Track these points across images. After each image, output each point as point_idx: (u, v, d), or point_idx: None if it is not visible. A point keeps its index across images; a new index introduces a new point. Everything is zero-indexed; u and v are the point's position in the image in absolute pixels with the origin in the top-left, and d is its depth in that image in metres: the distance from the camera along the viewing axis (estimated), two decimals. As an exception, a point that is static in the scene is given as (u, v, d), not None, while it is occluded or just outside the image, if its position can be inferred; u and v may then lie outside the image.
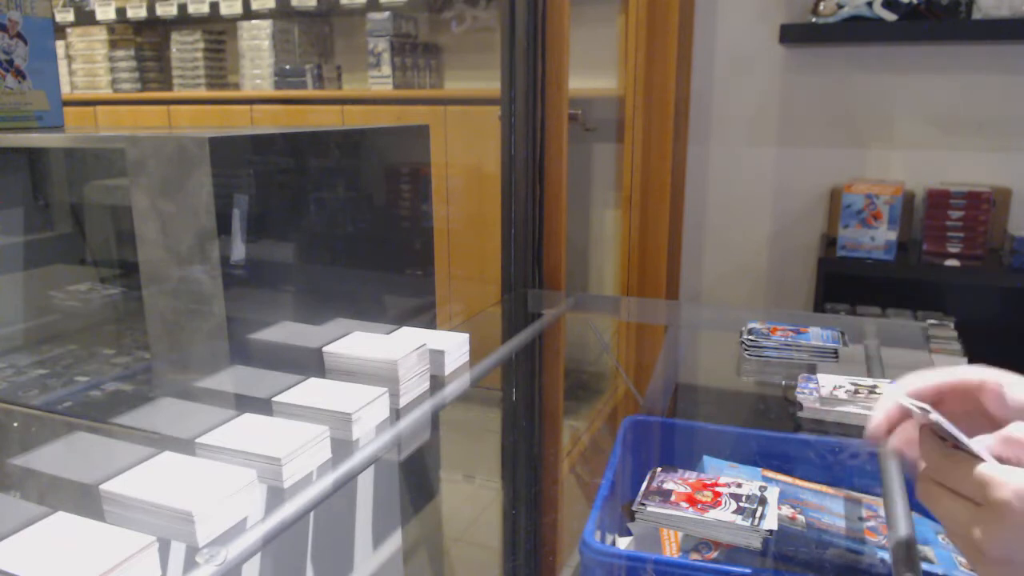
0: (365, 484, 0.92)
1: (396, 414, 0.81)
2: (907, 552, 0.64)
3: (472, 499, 1.65)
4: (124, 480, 0.59)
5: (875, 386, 0.98)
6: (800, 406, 0.97)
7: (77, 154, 1.23)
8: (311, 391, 0.78)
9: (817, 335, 1.16)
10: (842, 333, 1.16)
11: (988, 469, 0.47)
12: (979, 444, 0.49)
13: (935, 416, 0.50)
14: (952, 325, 2.11)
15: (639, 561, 0.84)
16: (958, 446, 0.49)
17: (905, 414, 0.56)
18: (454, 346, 0.93)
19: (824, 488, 1.04)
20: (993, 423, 0.53)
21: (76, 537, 0.51)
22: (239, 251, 0.82)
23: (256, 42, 3.03)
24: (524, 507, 1.35)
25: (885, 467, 0.80)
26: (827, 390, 0.96)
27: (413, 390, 0.85)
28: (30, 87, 1.16)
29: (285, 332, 0.90)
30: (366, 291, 1.08)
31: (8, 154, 1.22)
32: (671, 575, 0.82)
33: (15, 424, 0.92)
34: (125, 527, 0.52)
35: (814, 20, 2.17)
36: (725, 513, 0.83)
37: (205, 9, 3.06)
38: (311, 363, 0.86)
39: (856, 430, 0.94)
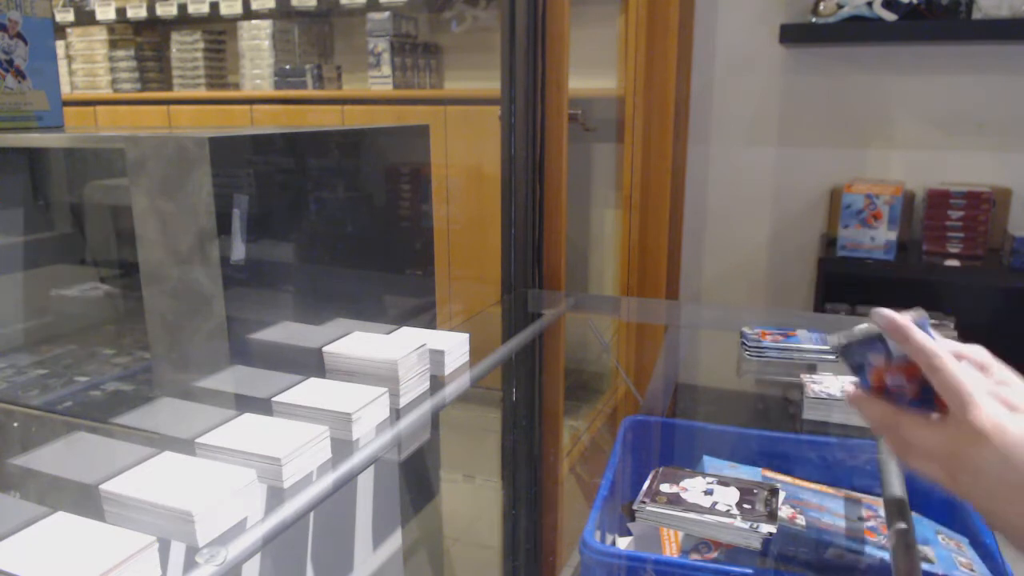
0: (365, 484, 0.92)
1: (396, 414, 0.81)
2: (907, 552, 0.64)
3: (472, 499, 1.65)
4: (124, 480, 0.59)
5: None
6: (800, 406, 0.97)
7: (77, 154, 1.23)
8: (311, 391, 0.78)
9: (806, 338, 1.16)
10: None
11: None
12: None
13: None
14: (952, 325, 2.11)
15: (639, 561, 0.84)
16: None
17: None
18: (454, 346, 0.93)
19: (824, 488, 1.04)
20: None
21: (76, 537, 0.51)
22: (239, 251, 0.82)
23: (256, 42, 3.03)
24: (524, 507, 1.35)
25: (885, 467, 0.80)
26: (827, 390, 0.96)
27: (413, 390, 0.85)
28: (30, 87, 1.16)
29: (285, 332, 0.90)
30: (366, 291, 1.08)
31: (8, 154, 1.22)
32: (671, 575, 0.82)
33: (15, 424, 0.92)
34: (125, 527, 0.52)
35: (814, 20, 2.17)
36: (725, 513, 0.83)
37: (205, 9, 3.06)
38: (311, 363, 0.86)
39: (856, 430, 0.94)
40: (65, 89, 3.29)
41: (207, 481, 0.59)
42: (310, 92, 2.94)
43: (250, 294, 0.84)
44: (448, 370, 0.91)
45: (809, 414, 0.95)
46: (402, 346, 0.85)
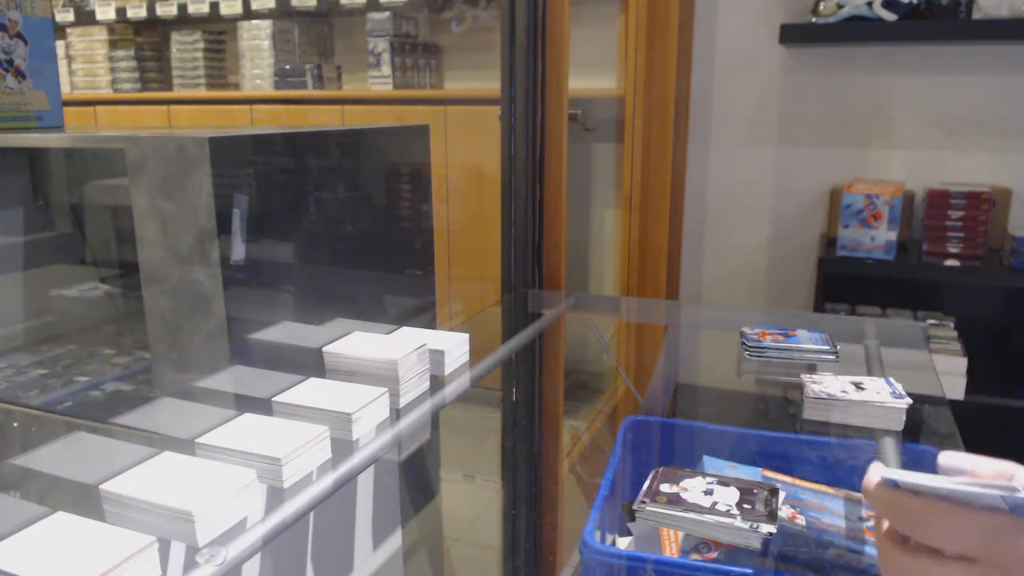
0: (365, 484, 0.92)
1: (396, 414, 0.81)
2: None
3: (472, 499, 1.65)
4: (124, 480, 0.59)
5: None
6: (800, 406, 0.97)
7: (77, 154, 1.23)
8: (311, 391, 0.78)
9: (806, 338, 1.16)
10: (830, 338, 1.16)
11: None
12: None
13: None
14: (952, 325, 2.12)
15: (639, 561, 0.84)
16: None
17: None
18: (454, 346, 0.93)
19: (824, 488, 1.04)
20: None
21: (76, 537, 0.51)
22: (239, 251, 0.82)
23: (256, 42, 3.03)
24: (524, 507, 1.35)
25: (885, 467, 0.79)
26: (827, 390, 0.96)
27: (413, 390, 0.85)
28: (30, 87, 1.16)
29: (285, 332, 0.90)
30: (366, 291, 1.08)
31: (8, 154, 1.22)
32: (671, 575, 0.82)
33: (15, 424, 0.92)
34: (125, 527, 0.52)
35: (814, 20, 2.17)
36: (725, 513, 0.83)
37: (205, 9, 3.06)
38: (311, 363, 0.86)
39: (856, 430, 0.94)
40: (65, 89, 3.29)
41: (207, 481, 0.59)
42: (310, 92, 2.94)
43: (250, 294, 0.84)
44: (448, 370, 0.91)
45: (809, 414, 0.95)
46: (402, 346, 0.85)
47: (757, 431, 1.12)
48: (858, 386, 0.97)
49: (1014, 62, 2.12)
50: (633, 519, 0.86)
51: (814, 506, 0.97)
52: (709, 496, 0.87)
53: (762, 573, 0.81)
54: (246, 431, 0.68)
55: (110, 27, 3.30)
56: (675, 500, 0.86)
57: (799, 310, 2.45)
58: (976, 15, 2.02)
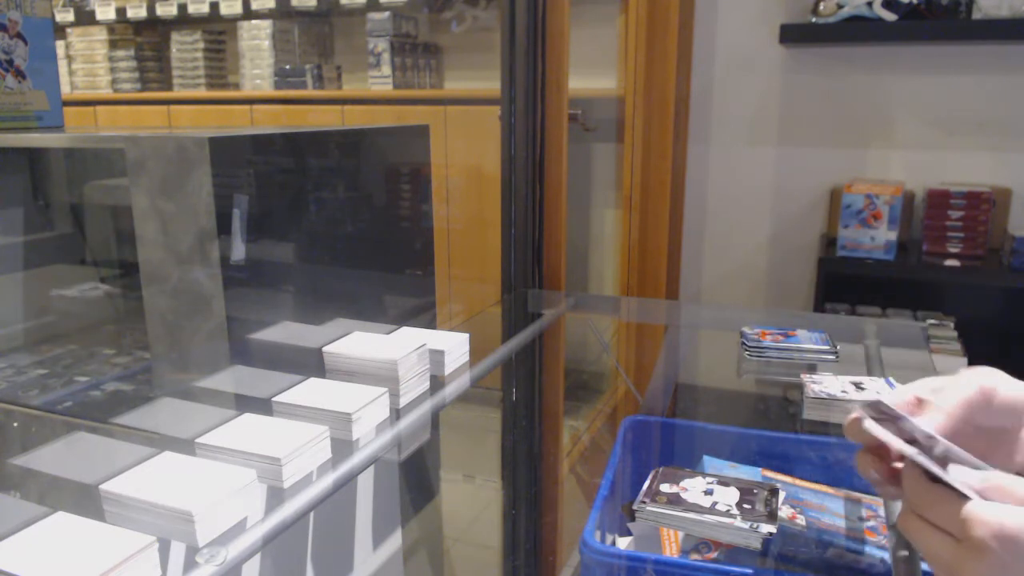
0: (365, 484, 0.92)
1: (396, 414, 0.81)
2: (907, 552, 0.64)
3: (472, 499, 1.65)
4: (124, 480, 0.59)
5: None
6: (800, 406, 0.97)
7: (77, 154, 1.23)
8: (311, 391, 0.78)
9: (806, 338, 1.16)
10: (830, 338, 1.16)
11: (970, 507, 0.46)
12: (961, 480, 0.47)
13: (919, 456, 0.48)
14: (952, 325, 2.12)
15: (639, 561, 0.84)
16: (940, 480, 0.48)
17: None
18: (454, 346, 0.93)
19: (824, 488, 1.04)
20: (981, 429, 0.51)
21: (76, 537, 0.51)
22: (239, 251, 0.82)
23: (256, 42, 3.03)
24: (524, 507, 1.35)
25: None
26: (827, 390, 0.96)
27: (413, 390, 0.85)
28: (30, 87, 1.16)
29: (285, 332, 0.90)
30: (366, 291, 1.08)
31: (8, 154, 1.22)
32: (671, 575, 0.82)
33: (15, 424, 0.92)
34: (125, 527, 0.52)
35: (814, 20, 2.17)
36: (725, 513, 0.83)
37: (205, 9, 3.06)
38: (311, 363, 0.86)
39: (856, 430, 0.94)
40: (65, 89, 3.29)
41: (207, 481, 0.59)
42: (310, 92, 2.94)
43: (250, 294, 0.84)
44: (448, 370, 0.91)
45: (809, 414, 0.95)
46: (402, 346, 0.85)
47: (757, 431, 1.12)
48: (858, 386, 0.97)
49: (1014, 62, 2.12)
50: (633, 519, 0.86)
51: (814, 506, 0.97)
52: (709, 496, 0.87)
53: (762, 573, 0.81)
54: (246, 431, 0.68)
55: (110, 27, 3.30)
56: (675, 500, 0.87)
57: (799, 310, 2.45)
58: (976, 15, 2.02)
